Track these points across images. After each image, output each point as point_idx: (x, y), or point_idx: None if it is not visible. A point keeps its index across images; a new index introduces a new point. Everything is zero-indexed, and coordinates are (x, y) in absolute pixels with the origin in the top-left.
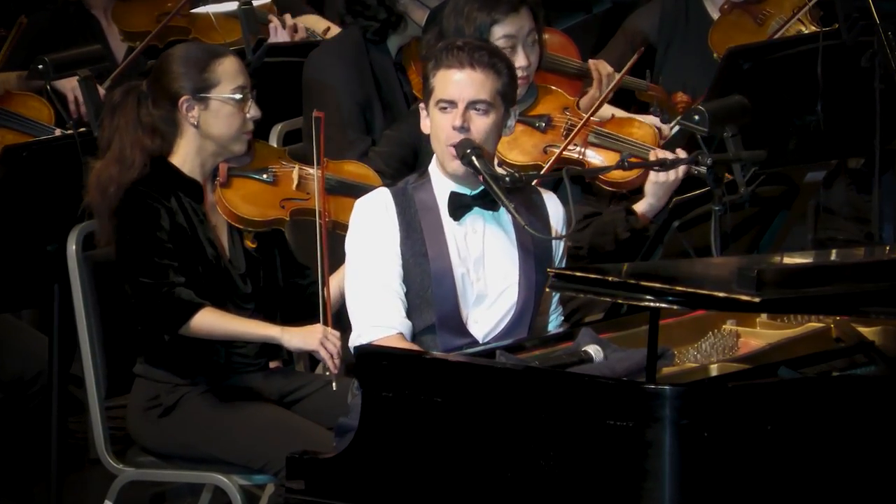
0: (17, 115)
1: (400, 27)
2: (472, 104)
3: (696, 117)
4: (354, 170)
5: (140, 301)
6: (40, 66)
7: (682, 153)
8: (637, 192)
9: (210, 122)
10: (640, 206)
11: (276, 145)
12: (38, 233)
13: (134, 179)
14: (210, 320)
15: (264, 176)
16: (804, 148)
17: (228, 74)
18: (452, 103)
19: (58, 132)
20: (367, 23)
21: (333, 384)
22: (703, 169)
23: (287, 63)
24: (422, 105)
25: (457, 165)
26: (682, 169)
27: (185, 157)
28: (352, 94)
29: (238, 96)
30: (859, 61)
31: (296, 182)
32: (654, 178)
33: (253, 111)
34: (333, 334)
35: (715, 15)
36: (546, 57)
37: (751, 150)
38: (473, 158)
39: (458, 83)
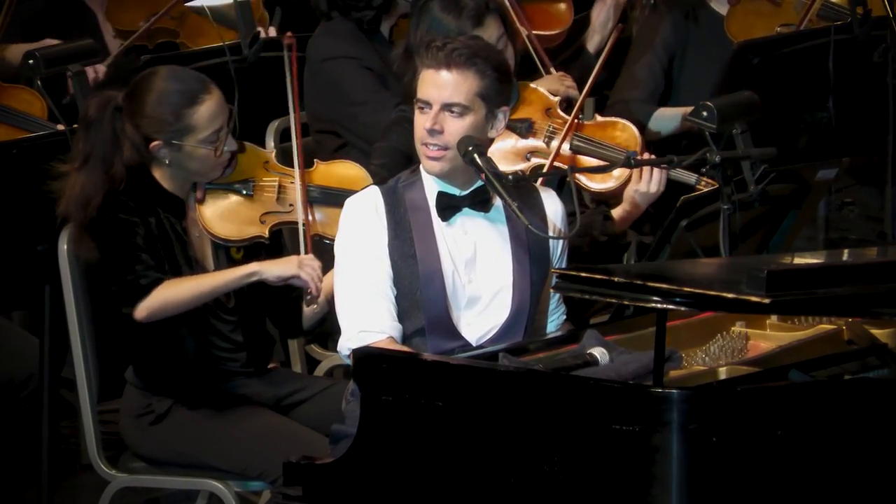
0: (8, 109)
1: (391, 9)
2: (446, 106)
3: (705, 113)
4: (345, 171)
5: (115, 301)
6: (30, 61)
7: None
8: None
9: (183, 161)
10: (616, 212)
11: (272, 143)
12: (28, 232)
13: (114, 189)
14: (172, 290)
15: (244, 190)
16: (815, 145)
17: (205, 120)
18: (428, 104)
19: (60, 127)
20: (362, 14)
21: (315, 307)
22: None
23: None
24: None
25: (431, 166)
26: (663, 181)
27: (163, 176)
28: (362, 62)
29: (213, 142)
30: (872, 56)
31: (276, 194)
32: (636, 186)
33: (229, 146)
34: (311, 259)
35: (723, 11)
36: None
37: (760, 148)
38: (475, 156)
39: (433, 84)
